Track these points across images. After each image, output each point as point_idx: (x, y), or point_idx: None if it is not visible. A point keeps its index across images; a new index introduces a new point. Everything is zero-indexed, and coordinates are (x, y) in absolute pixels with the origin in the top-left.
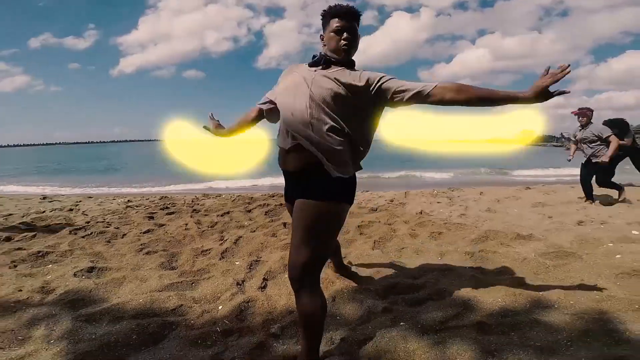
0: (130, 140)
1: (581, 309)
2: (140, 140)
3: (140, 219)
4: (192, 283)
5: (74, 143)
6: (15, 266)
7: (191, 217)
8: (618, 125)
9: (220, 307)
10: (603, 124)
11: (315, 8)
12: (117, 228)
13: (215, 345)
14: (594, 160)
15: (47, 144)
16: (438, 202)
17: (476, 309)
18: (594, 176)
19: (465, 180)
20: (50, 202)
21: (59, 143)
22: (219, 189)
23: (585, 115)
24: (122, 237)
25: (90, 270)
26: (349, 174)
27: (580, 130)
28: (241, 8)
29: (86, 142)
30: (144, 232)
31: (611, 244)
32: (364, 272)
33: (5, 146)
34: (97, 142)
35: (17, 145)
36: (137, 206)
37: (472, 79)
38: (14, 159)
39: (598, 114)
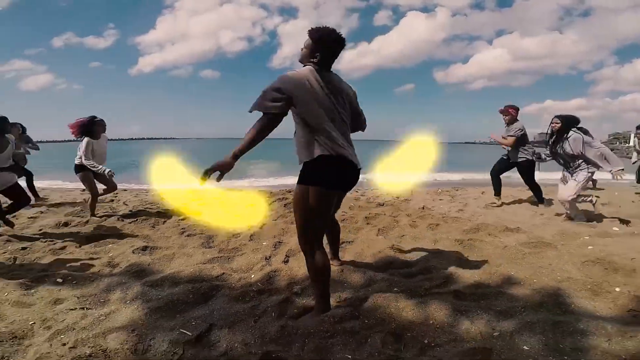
0: (148, 138)
1: (541, 286)
2: (157, 139)
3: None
4: (229, 258)
5: None
6: (80, 246)
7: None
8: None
9: (252, 275)
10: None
11: (327, 8)
12: (158, 216)
13: (252, 301)
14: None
15: (68, 141)
16: (440, 199)
17: (456, 281)
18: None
19: (471, 180)
20: None
21: (79, 139)
22: (242, 186)
23: (508, 113)
24: (164, 223)
25: (144, 249)
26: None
27: (505, 127)
28: (255, 8)
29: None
30: (182, 219)
31: (588, 237)
32: (368, 252)
33: None
34: (116, 139)
35: (40, 142)
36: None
37: (489, 79)
38: (43, 155)
39: (622, 116)
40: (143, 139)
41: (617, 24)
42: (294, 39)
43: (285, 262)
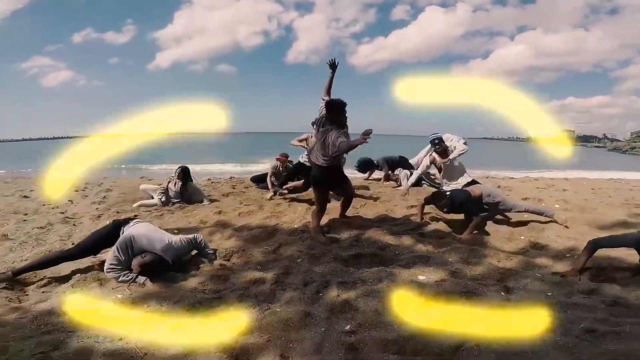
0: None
1: (474, 239)
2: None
3: (228, 188)
4: (278, 216)
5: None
6: (173, 213)
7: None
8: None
9: (295, 225)
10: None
11: (343, 3)
12: (216, 192)
13: (298, 234)
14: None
15: (89, 136)
16: None
17: (427, 231)
18: None
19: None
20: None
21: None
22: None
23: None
24: (227, 196)
25: (219, 212)
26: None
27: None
28: (271, 3)
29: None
30: (237, 195)
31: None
32: (370, 211)
33: (52, 138)
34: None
35: (62, 137)
36: (217, 182)
37: (510, 74)
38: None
39: None
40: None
41: None
42: (310, 34)
43: None
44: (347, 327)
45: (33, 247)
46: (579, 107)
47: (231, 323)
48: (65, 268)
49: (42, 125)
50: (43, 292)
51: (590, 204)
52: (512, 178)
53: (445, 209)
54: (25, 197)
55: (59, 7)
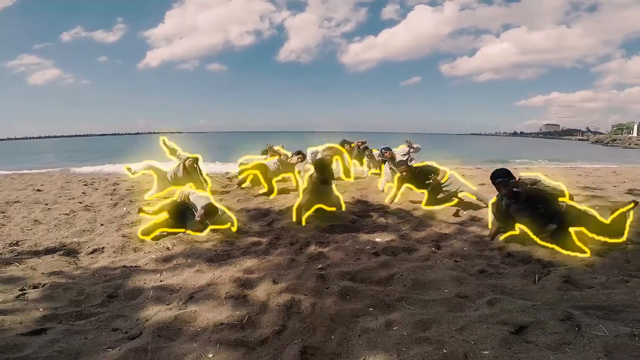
0: (154, 133)
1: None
2: (164, 133)
3: (225, 181)
4: (271, 202)
5: (101, 135)
6: None
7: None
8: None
9: (285, 207)
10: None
11: (335, 2)
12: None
13: (287, 214)
14: None
15: (75, 136)
16: None
17: (390, 210)
18: None
19: None
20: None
21: (87, 135)
22: None
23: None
24: (225, 188)
25: (220, 200)
26: None
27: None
28: (264, 2)
29: (112, 134)
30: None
31: None
32: (349, 195)
33: (37, 137)
34: (122, 134)
35: (48, 137)
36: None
37: (495, 72)
38: (67, 147)
39: (629, 107)
40: (150, 133)
41: (623, 18)
42: (301, 33)
43: None
44: (320, 266)
45: (67, 228)
46: (563, 102)
47: (237, 267)
48: (103, 241)
49: (28, 124)
50: (92, 258)
51: None
52: (479, 168)
53: (405, 174)
54: (39, 190)
55: (50, 5)
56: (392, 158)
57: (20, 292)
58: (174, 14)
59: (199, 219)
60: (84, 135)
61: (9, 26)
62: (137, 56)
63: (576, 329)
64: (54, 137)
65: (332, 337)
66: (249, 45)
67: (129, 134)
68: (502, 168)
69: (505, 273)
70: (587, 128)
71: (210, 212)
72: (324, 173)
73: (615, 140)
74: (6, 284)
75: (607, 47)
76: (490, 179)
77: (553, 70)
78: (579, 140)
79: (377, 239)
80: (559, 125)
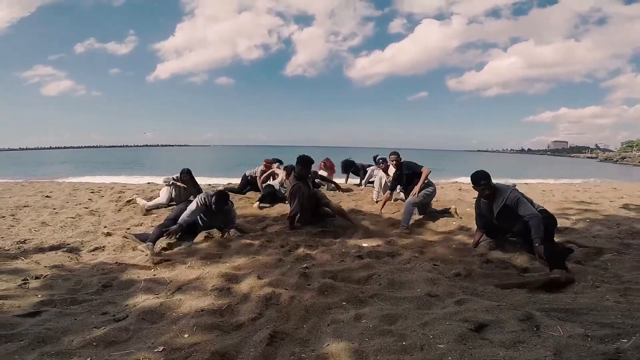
0: (162, 145)
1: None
2: (171, 145)
3: None
4: (267, 211)
5: (110, 146)
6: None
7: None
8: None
9: (279, 215)
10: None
11: (342, 16)
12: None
13: (281, 221)
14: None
15: (85, 147)
16: None
17: (382, 219)
18: None
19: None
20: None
21: (97, 146)
22: None
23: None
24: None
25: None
26: None
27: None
28: (272, 16)
29: (121, 146)
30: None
31: None
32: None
33: (48, 148)
34: (131, 146)
35: (58, 148)
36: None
37: (503, 87)
38: (76, 158)
39: (639, 123)
40: (157, 145)
41: (633, 31)
42: (308, 47)
43: None
44: (305, 265)
45: (72, 229)
46: (572, 118)
47: (227, 265)
48: (104, 241)
49: (39, 135)
50: (93, 254)
51: None
52: None
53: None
54: (47, 196)
55: (65, 15)
56: (387, 169)
57: (23, 282)
58: (184, 27)
59: (214, 205)
60: (94, 147)
61: (25, 36)
62: (148, 68)
63: (534, 329)
64: (64, 148)
65: (304, 325)
66: (257, 59)
67: (137, 146)
68: (482, 170)
69: (476, 274)
70: (596, 145)
71: (223, 196)
72: (304, 166)
73: (625, 158)
74: (11, 274)
75: (617, 61)
76: (472, 181)
77: (562, 85)
78: (588, 157)
79: (364, 244)
80: (567, 142)
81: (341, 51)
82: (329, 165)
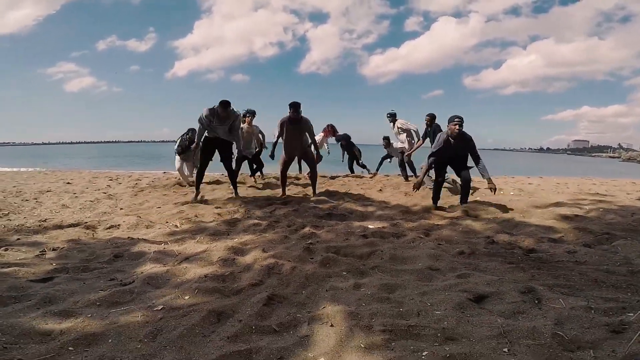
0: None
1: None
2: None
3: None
4: (274, 193)
5: (128, 142)
6: (214, 190)
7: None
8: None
9: (287, 198)
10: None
11: (356, 14)
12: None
13: (289, 203)
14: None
15: (104, 142)
16: None
17: (390, 204)
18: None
19: None
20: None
21: (115, 141)
22: None
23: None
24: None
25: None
26: None
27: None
28: (287, 13)
29: (138, 141)
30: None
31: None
32: (353, 192)
33: (69, 143)
34: (148, 141)
35: (79, 143)
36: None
37: (522, 85)
38: (96, 153)
39: None
40: (173, 141)
41: None
42: (323, 44)
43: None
44: (309, 242)
45: (90, 211)
46: (593, 117)
47: (235, 240)
48: (119, 220)
49: (61, 130)
50: (108, 232)
51: (541, 192)
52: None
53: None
54: (69, 183)
55: (89, 13)
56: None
57: (40, 252)
58: (202, 25)
59: (219, 109)
60: (112, 142)
61: (50, 34)
62: (166, 65)
63: (536, 301)
64: (84, 142)
65: (303, 291)
66: (272, 56)
67: (154, 141)
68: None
69: (484, 254)
70: (619, 144)
71: (225, 100)
72: (296, 108)
73: None
74: (30, 246)
75: None
76: (449, 119)
77: (583, 84)
78: (610, 157)
79: (370, 226)
80: (588, 142)
81: (355, 49)
82: (328, 130)
